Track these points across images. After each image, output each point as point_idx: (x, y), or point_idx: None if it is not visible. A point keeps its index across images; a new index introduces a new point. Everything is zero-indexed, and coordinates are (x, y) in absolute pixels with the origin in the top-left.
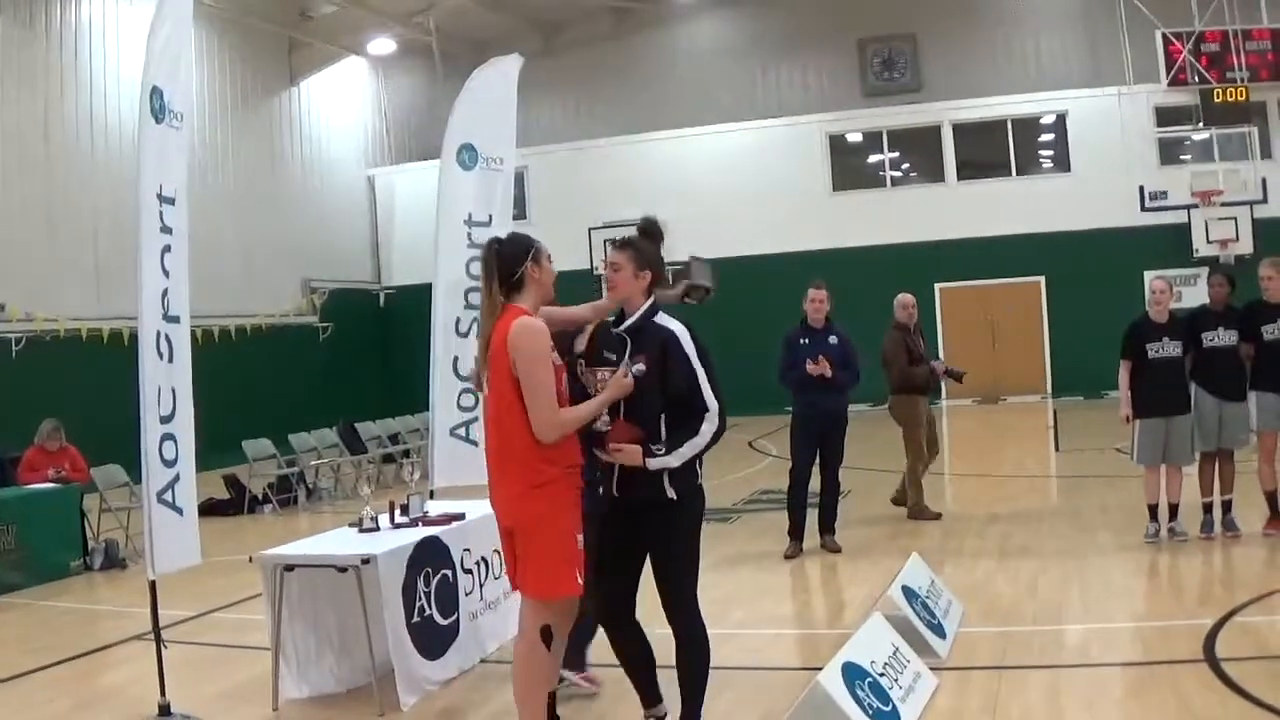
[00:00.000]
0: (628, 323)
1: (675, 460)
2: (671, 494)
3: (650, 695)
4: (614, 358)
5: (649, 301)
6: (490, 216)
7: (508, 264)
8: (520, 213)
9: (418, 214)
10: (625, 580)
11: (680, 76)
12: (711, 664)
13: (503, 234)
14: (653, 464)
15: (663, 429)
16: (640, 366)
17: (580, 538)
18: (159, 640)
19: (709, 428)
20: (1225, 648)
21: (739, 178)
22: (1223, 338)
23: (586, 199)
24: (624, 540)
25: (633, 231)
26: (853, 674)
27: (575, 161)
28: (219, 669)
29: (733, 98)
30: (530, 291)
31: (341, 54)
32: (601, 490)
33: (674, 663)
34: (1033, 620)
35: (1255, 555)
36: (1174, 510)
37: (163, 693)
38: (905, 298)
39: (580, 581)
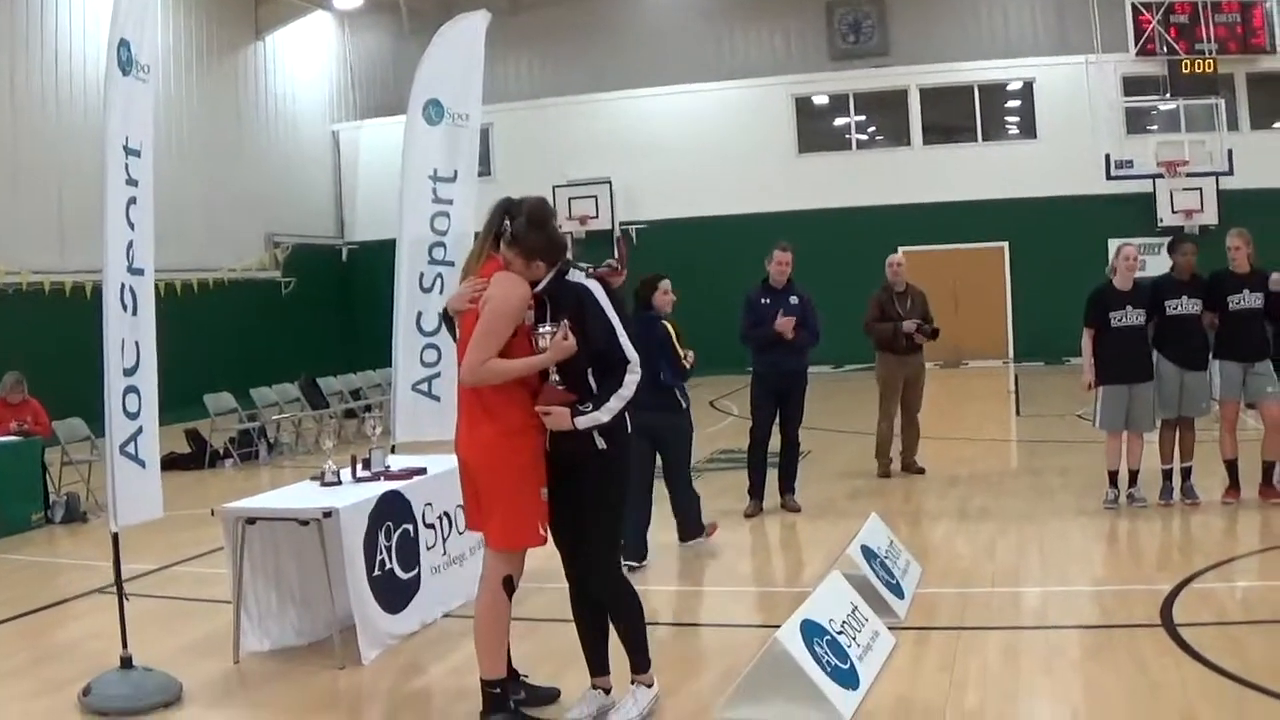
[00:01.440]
0: (540, 287)
1: (605, 415)
2: (601, 444)
3: (597, 664)
4: (532, 319)
5: (557, 266)
6: (456, 172)
7: (496, 219)
8: (485, 169)
9: (382, 169)
10: (571, 537)
11: (647, 36)
12: (673, 620)
13: (516, 197)
14: (581, 423)
15: (592, 384)
16: (565, 324)
17: (545, 490)
18: (121, 593)
19: (632, 378)
20: (1182, 613)
21: (704, 138)
22: (1186, 306)
23: (552, 156)
24: (568, 491)
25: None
26: (811, 631)
27: (541, 119)
28: (180, 622)
29: (699, 58)
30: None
31: (308, 8)
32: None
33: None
34: (991, 582)
35: (1213, 523)
36: (1134, 476)
37: (124, 645)
38: (891, 257)
39: (542, 533)
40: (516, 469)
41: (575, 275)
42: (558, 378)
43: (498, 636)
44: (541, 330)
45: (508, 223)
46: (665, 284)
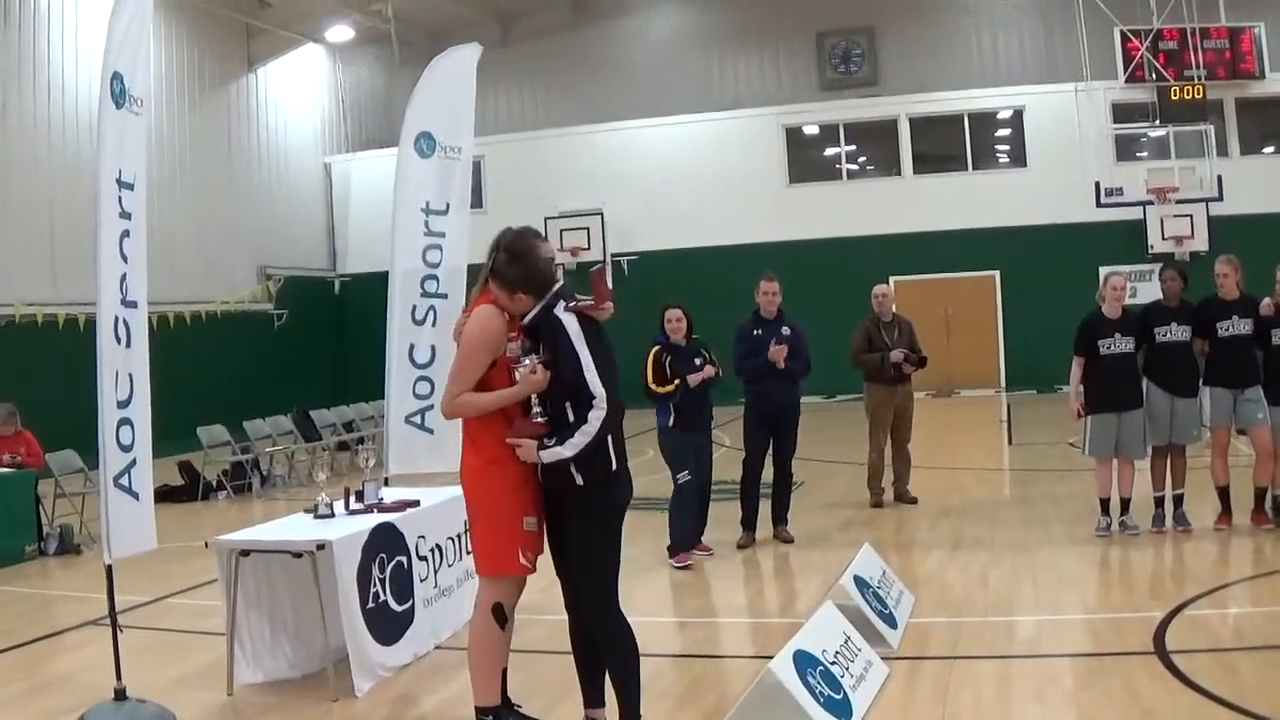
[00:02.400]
0: (527, 319)
1: (568, 450)
2: (579, 479)
3: (592, 696)
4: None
5: (545, 298)
6: (448, 205)
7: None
8: (477, 202)
9: (374, 202)
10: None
11: (638, 67)
12: (665, 651)
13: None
14: (545, 456)
15: (570, 416)
16: (535, 358)
17: (530, 519)
18: (115, 625)
19: (596, 415)
20: (1175, 640)
21: (695, 169)
22: (1176, 333)
23: (543, 189)
24: (554, 528)
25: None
26: (804, 662)
27: (532, 151)
28: (174, 654)
29: (690, 89)
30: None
31: (299, 41)
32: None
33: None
34: (984, 611)
35: (1206, 549)
36: (1125, 504)
37: (118, 677)
38: (877, 288)
39: (524, 561)
40: (493, 496)
41: (559, 312)
42: (539, 409)
43: (489, 663)
44: (519, 363)
45: (495, 256)
46: (669, 313)
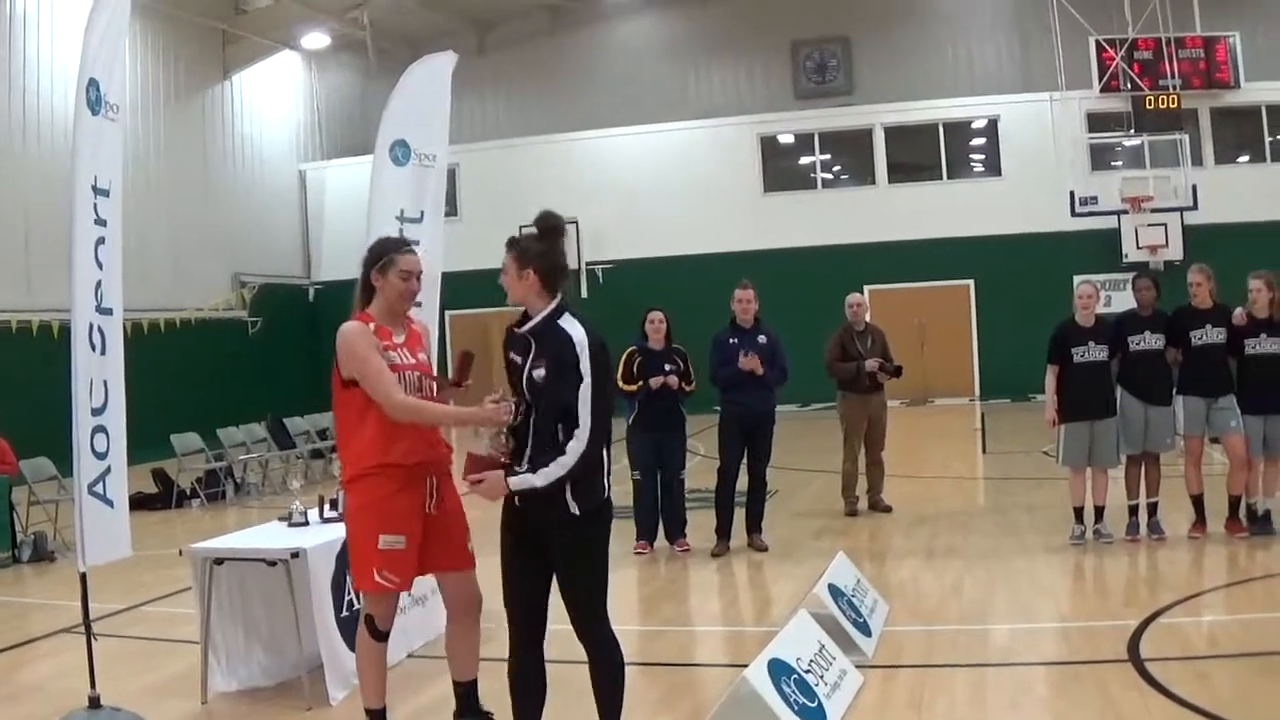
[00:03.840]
0: (529, 325)
1: (540, 480)
2: (575, 509)
3: None
4: (519, 360)
5: (554, 303)
6: (422, 213)
7: (364, 270)
8: (452, 210)
9: (348, 209)
10: (529, 599)
11: (613, 76)
12: (640, 660)
13: (394, 234)
14: (514, 483)
15: (560, 438)
16: (540, 371)
17: (391, 538)
18: (89, 633)
19: (575, 447)
20: (1149, 648)
21: (671, 178)
22: (1149, 342)
23: (518, 197)
24: (529, 556)
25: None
26: (779, 670)
27: (507, 159)
28: (148, 662)
29: (665, 98)
30: (377, 300)
31: (275, 48)
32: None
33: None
34: (958, 619)
35: (1180, 558)
36: (1099, 512)
37: (93, 685)
38: (850, 297)
39: (380, 580)
40: (352, 511)
41: (567, 321)
42: (503, 438)
43: (367, 670)
44: (495, 397)
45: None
46: (652, 315)
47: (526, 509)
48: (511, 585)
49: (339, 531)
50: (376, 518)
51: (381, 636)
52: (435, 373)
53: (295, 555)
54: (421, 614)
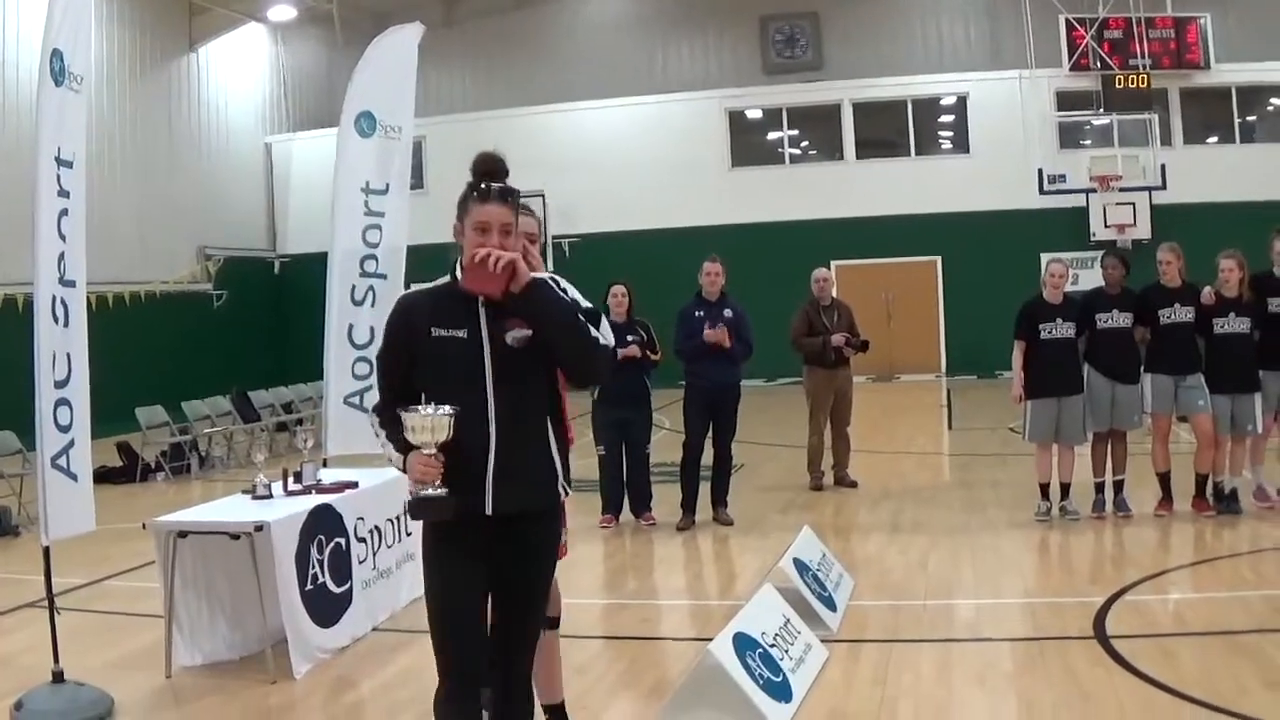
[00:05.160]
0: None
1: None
2: (565, 491)
3: None
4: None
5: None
6: (388, 185)
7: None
8: (418, 182)
9: (314, 182)
10: (478, 625)
11: (581, 49)
12: (604, 633)
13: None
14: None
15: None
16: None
17: None
18: (52, 607)
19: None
20: (1115, 625)
21: (638, 152)
22: (1117, 320)
23: None
24: (489, 570)
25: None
26: (744, 644)
27: (474, 132)
28: (112, 636)
29: (634, 71)
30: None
31: (241, 20)
32: (456, 503)
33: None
34: (924, 595)
35: (1146, 535)
36: (1065, 489)
37: (56, 660)
38: (816, 272)
39: None
40: None
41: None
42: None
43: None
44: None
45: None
46: (614, 289)
47: (503, 507)
48: (461, 603)
49: (303, 505)
50: None
51: None
52: None
53: (259, 528)
54: (387, 587)
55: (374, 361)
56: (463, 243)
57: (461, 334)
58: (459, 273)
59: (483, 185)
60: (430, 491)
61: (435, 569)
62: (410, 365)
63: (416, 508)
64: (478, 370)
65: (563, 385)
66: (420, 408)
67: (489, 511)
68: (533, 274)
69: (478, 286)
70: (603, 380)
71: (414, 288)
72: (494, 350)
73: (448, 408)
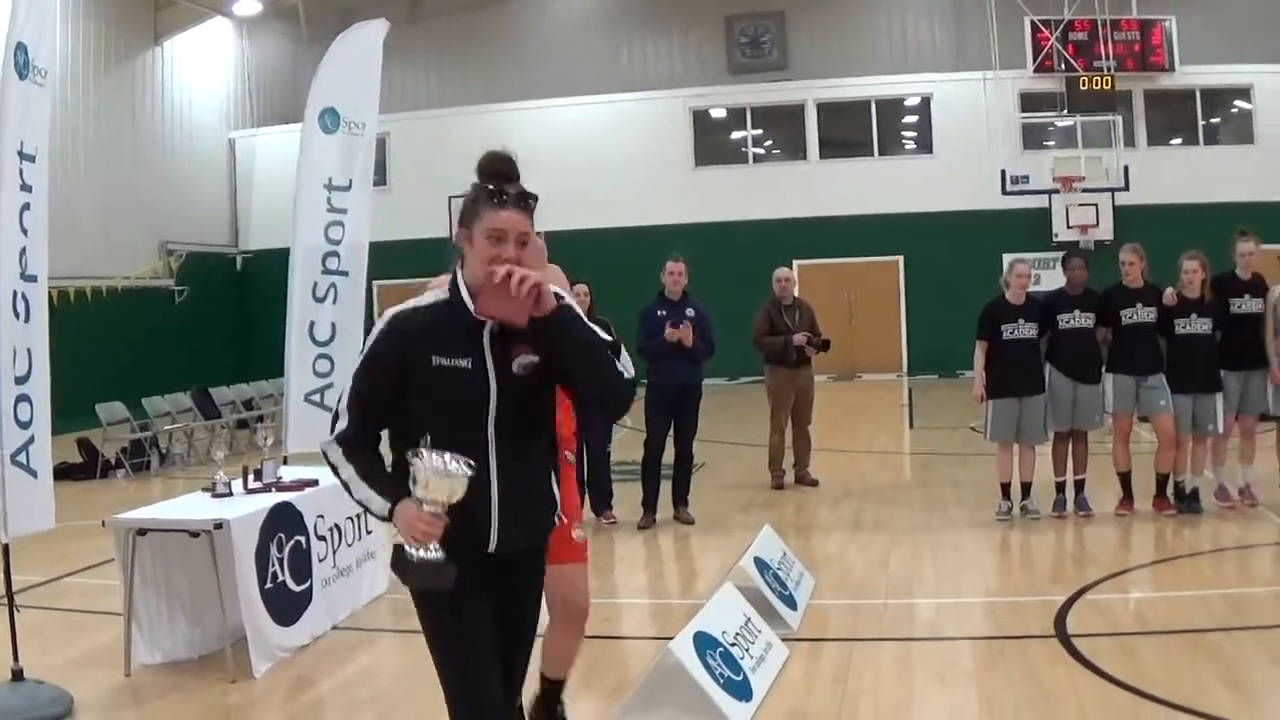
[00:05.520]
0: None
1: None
2: (560, 520)
3: None
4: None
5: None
6: (351, 181)
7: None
8: (381, 179)
9: (278, 178)
10: (496, 673)
11: (546, 47)
12: None
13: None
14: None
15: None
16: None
17: None
18: (12, 605)
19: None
20: (1076, 623)
21: (602, 150)
22: (1079, 320)
23: (448, 167)
24: (493, 613)
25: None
26: (704, 643)
27: (438, 129)
28: (72, 634)
29: (598, 70)
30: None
31: (206, 14)
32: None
33: None
34: (884, 593)
35: (1107, 534)
36: (1026, 489)
37: (15, 658)
38: (778, 272)
39: None
40: None
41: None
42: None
43: None
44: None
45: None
46: (576, 288)
47: (508, 542)
48: (480, 643)
49: (263, 503)
50: None
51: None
52: None
53: (218, 526)
54: (348, 585)
55: (351, 384)
56: (468, 250)
57: (465, 363)
58: (461, 286)
59: (498, 188)
60: (428, 554)
61: (444, 609)
62: (396, 395)
63: (411, 571)
64: (481, 403)
65: (563, 405)
66: (435, 456)
67: (492, 549)
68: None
69: (498, 313)
70: (623, 414)
71: (409, 304)
72: (500, 381)
73: (468, 463)
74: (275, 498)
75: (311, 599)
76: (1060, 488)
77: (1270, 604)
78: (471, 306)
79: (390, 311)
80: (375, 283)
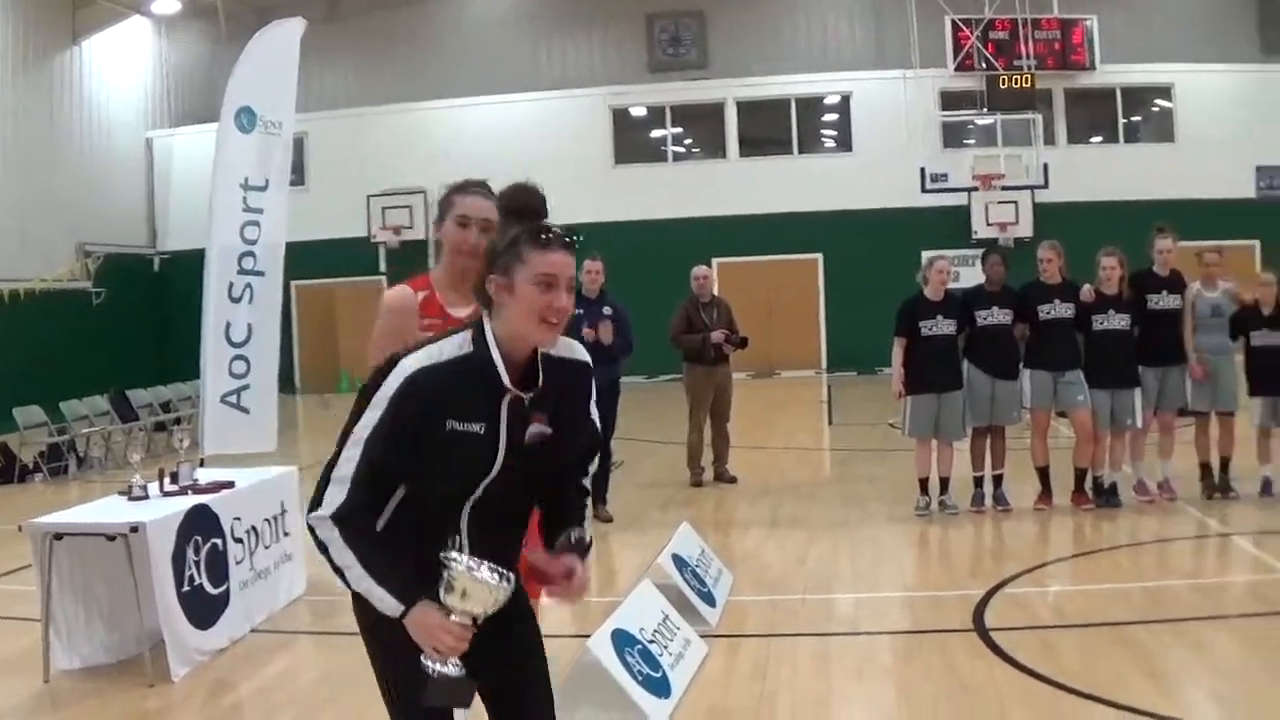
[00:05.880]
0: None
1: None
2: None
3: None
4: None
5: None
6: (267, 181)
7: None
8: (299, 178)
9: (196, 178)
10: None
11: (466, 45)
12: None
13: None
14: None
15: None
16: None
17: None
18: None
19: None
20: (994, 617)
21: (521, 148)
22: (997, 316)
23: (367, 166)
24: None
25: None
26: (623, 641)
27: (357, 128)
28: None
29: (517, 68)
30: (442, 258)
31: (124, 13)
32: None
33: None
34: (803, 589)
35: (1026, 529)
36: (945, 484)
37: None
38: (696, 269)
39: None
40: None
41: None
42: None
43: None
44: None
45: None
46: None
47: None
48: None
49: (179, 505)
50: None
51: None
52: None
53: (134, 529)
54: (264, 588)
55: (360, 453)
56: (506, 300)
57: (477, 429)
58: (491, 343)
59: (543, 226)
60: (449, 670)
61: (407, 665)
62: (410, 463)
63: (432, 690)
64: (482, 470)
65: None
66: (477, 565)
67: None
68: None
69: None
70: None
71: (426, 357)
72: (507, 452)
73: (508, 575)
74: (191, 500)
75: (229, 602)
76: (979, 483)
77: (1188, 596)
78: (502, 368)
79: (408, 367)
80: (293, 283)
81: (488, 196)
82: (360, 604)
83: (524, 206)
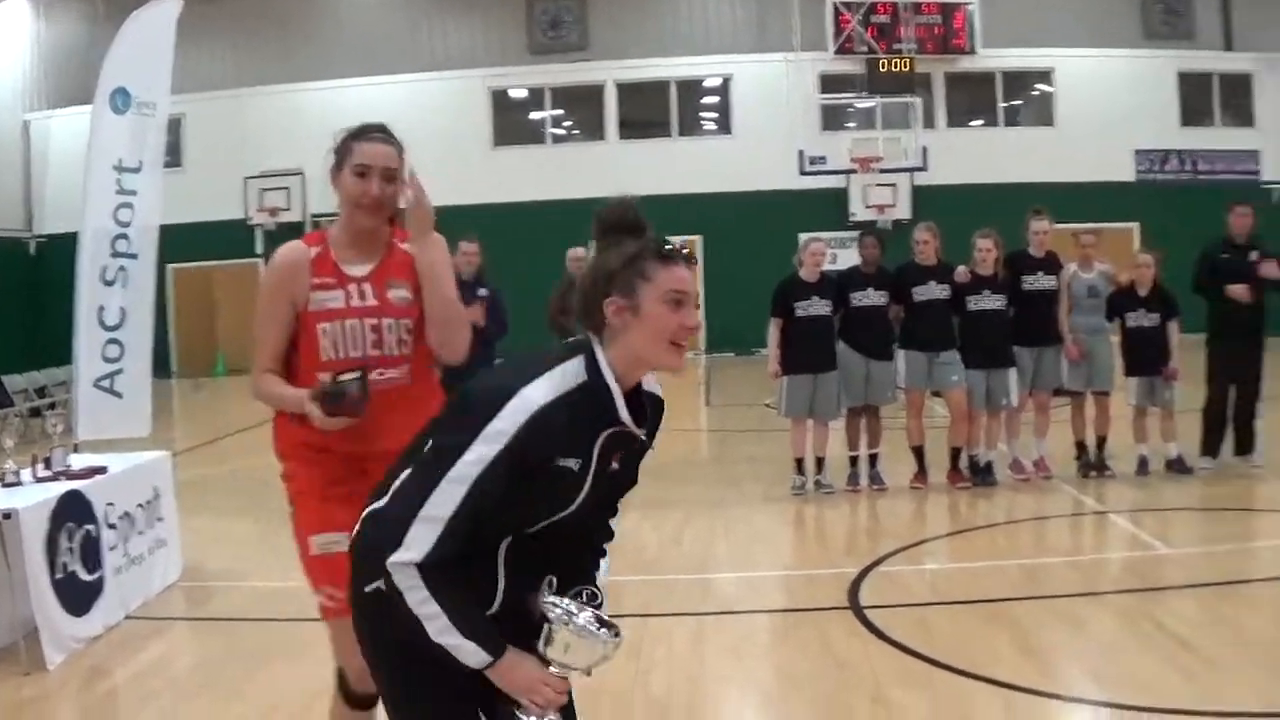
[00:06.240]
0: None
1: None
2: None
3: None
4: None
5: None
6: (141, 163)
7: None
8: (174, 160)
9: (74, 161)
10: None
11: (343, 26)
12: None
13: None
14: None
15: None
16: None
17: (321, 538)
18: None
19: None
20: (869, 595)
21: (400, 130)
22: (872, 298)
23: (245, 148)
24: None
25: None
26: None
27: (234, 109)
28: None
29: (396, 49)
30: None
31: None
32: None
33: None
34: (678, 569)
35: (901, 508)
36: (820, 463)
37: None
38: (571, 251)
39: (323, 599)
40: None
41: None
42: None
43: None
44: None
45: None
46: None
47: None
48: None
49: (52, 491)
50: (304, 513)
51: (358, 701)
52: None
53: (7, 516)
54: (139, 574)
55: (466, 493)
56: (630, 323)
57: (574, 464)
58: (606, 371)
59: (664, 241)
60: None
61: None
62: (513, 506)
63: None
64: (558, 509)
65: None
66: (587, 618)
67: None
68: None
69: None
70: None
71: (550, 389)
72: (590, 492)
73: (615, 629)
74: (64, 486)
75: (103, 588)
76: (854, 462)
77: (1064, 572)
78: (620, 401)
79: (534, 401)
80: (170, 266)
81: (389, 142)
82: (403, 623)
83: (626, 221)
